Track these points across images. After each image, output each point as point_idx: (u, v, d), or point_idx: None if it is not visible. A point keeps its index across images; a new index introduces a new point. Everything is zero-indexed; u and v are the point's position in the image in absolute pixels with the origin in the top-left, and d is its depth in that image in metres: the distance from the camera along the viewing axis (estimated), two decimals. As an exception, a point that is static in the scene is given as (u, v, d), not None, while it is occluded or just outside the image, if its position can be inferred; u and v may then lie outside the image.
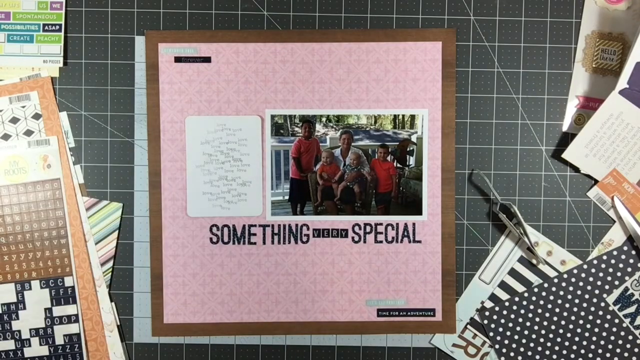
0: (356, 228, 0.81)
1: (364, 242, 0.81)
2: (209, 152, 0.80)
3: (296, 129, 0.81)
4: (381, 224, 0.81)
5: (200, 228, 0.81)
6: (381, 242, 0.81)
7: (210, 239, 0.81)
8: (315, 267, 0.81)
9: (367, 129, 0.81)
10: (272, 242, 0.81)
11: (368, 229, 0.81)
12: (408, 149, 0.81)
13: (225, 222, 0.81)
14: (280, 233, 0.81)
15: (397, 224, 0.81)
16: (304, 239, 0.81)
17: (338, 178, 0.81)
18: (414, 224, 0.81)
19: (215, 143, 0.80)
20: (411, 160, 0.81)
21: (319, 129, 0.81)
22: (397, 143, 0.81)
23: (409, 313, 0.81)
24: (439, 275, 0.81)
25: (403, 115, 0.81)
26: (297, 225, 0.81)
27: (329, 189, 0.81)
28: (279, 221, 0.81)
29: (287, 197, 0.81)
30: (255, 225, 0.81)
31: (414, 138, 0.81)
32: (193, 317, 0.81)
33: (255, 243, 0.81)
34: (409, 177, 0.81)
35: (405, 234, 0.81)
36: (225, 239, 0.81)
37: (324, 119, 0.81)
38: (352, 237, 0.81)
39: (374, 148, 0.81)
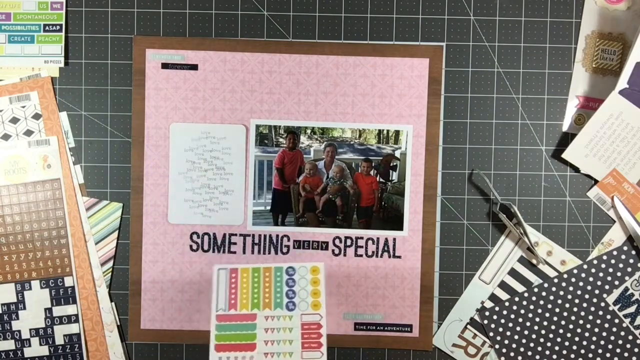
0: (337, 241, 0.81)
1: (344, 255, 0.81)
2: (193, 160, 0.80)
3: (280, 139, 0.81)
4: (362, 238, 0.81)
5: (181, 235, 0.81)
6: (361, 256, 0.81)
7: (190, 246, 0.81)
8: None
9: (352, 142, 0.81)
10: (252, 252, 0.81)
11: (348, 242, 0.81)
12: (391, 164, 0.81)
13: (206, 230, 0.81)
14: (261, 243, 0.81)
15: (378, 238, 0.81)
16: (284, 249, 0.81)
17: (320, 190, 0.81)
18: (394, 239, 0.81)
19: (199, 151, 0.80)
20: (394, 176, 0.81)
21: (304, 140, 0.81)
22: (381, 158, 0.81)
23: (386, 328, 0.81)
24: (417, 291, 0.81)
25: (387, 131, 0.81)
26: (277, 235, 0.81)
27: (311, 201, 0.81)
28: (259, 231, 0.81)
29: (269, 208, 0.81)
30: (235, 235, 0.81)
31: (397, 154, 0.81)
32: (170, 323, 0.81)
33: (235, 252, 0.81)
34: (391, 192, 0.81)
35: (386, 248, 0.81)
36: (206, 247, 0.81)
37: (308, 131, 0.81)
38: (332, 250, 0.81)
39: (358, 162, 0.81)
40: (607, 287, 0.80)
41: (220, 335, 0.68)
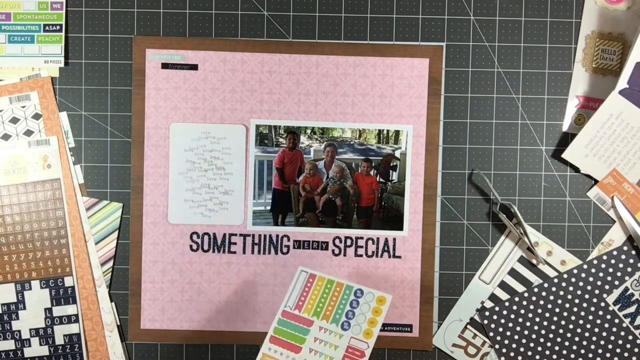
0: (337, 241, 0.81)
1: (344, 255, 0.81)
2: (193, 160, 0.80)
3: (280, 139, 0.81)
4: (362, 238, 0.81)
5: (181, 235, 0.81)
6: (361, 256, 0.81)
7: (190, 246, 0.81)
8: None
9: (352, 142, 0.81)
10: (252, 252, 0.81)
11: (348, 242, 0.81)
12: (391, 164, 0.81)
13: (206, 230, 0.81)
14: (261, 243, 0.81)
15: (378, 238, 0.81)
16: (284, 250, 0.81)
17: (320, 190, 0.81)
18: (394, 239, 0.81)
19: (199, 151, 0.80)
20: (394, 176, 0.81)
21: (304, 140, 0.81)
22: (381, 158, 0.81)
23: (385, 328, 0.81)
24: (417, 291, 0.81)
25: (387, 131, 0.81)
26: (277, 235, 0.81)
27: (311, 201, 0.81)
28: (259, 231, 0.81)
29: (269, 208, 0.81)
30: (235, 235, 0.81)
31: (397, 154, 0.81)
32: (170, 323, 0.81)
33: (235, 252, 0.81)
34: (391, 192, 0.81)
35: (386, 248, 0.81)
36: (206, 247, 0.81)
37: (308, 131, 0.81)
38: (333, 250, 0.81)
39: (358, 162, 0.81)
40: (607, 287, 0.80)
41: (279, 329, 0.71)
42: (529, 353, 0.81)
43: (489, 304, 0.82)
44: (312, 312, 0.72)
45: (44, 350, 0.80)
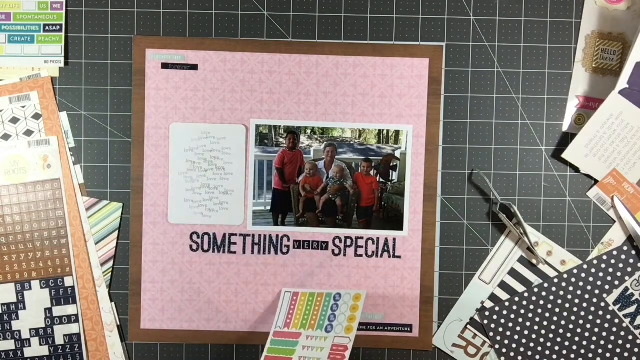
0: (337, 241, 0.81)
1: (344, 255, 0.81)
2: (193, 160, 0.80)
3: (280, 139, 0.81)
4: (362, 238, 0.81)
5: (181, 235, 0.81)
6: (361, 256, 0.81)
7: (191, 246, 0.81)
8: (294, 279, 0.81)
9: (352, 142, 0.81)
10: (252, 252, 0.81)
11: (348, 242, 0.81)
12: (391, 164, 0.81)
13: (206, 230, 0.81)
14: (261, 243, 0.81)
15: (378, 238, 0.81)
16: (284, 249, 0.81)
17: (320, 190, 0.81)
18: (394, 239, 0.81)
19: (199, 151, 0.80)
20: (394, 176, 0.81)
21: (304, 140, 0.81)
22: (381, 158, 0.81)
23: (386, 328, 0.81)
24: (417, 291, 0.81)
25: (387, 131, 0.81)
26: (277, 235, 0.81)
27: (311, 201, 0.81)
28: (259, 231, 0.81)
29: (269, 208, 0.81)
30: (235, 235, 0.81)
31: (397, 154, 0.81)
32: (170, 323, 0.81)
33: (235, 252, 0.81)
34: (391, 192, 0.81)
35: (386, 248, 0.81)
36: (206, 247, 0.81)
37: (308, 131, 0.81)
38: (333, 250, 0.81)
39: (358, 162, 0.81)
40: (607, 287, 0.80)
41: (272, 348, 0.75)
42: (529, 353, 0.81)
43: (489, 304, 0.82)
44: (299, 326, 0.73)
45: (44, 350, 0.80)
